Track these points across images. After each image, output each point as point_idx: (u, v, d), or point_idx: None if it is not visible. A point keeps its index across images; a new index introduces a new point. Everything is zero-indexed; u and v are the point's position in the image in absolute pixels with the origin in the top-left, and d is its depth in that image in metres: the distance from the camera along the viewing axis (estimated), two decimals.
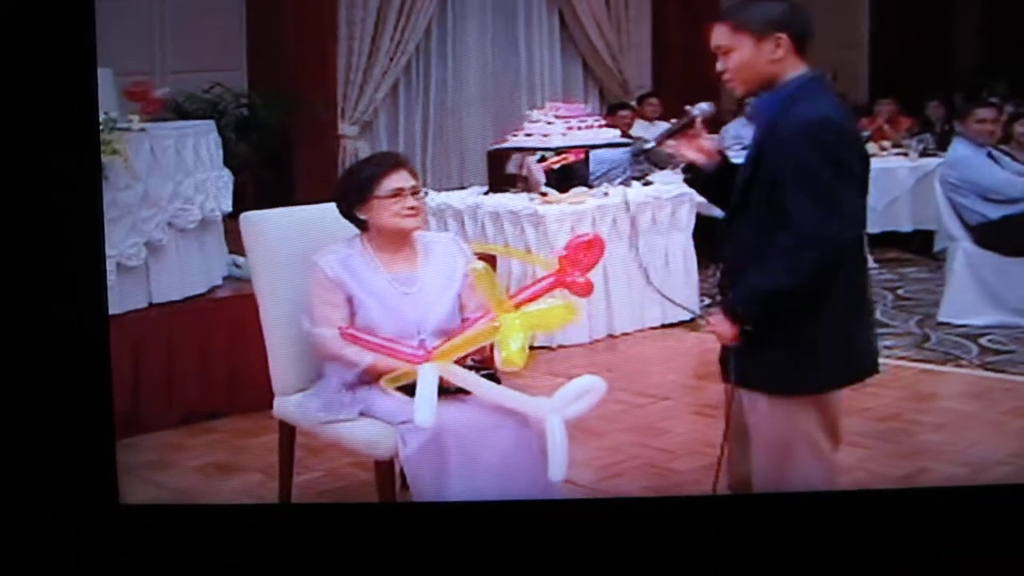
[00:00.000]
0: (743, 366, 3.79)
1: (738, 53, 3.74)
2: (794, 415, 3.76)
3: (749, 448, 3.90)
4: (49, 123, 3.93)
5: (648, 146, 4.00)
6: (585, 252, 4.17)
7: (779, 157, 3.62)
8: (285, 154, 9.63)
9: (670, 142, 3.93)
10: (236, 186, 7.00)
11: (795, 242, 3.58)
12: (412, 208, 4.45)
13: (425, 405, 4.06)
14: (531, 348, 4.13)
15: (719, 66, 3.79)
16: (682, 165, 3.98)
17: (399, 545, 4.05)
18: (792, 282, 3.61)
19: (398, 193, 4.43)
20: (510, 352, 4.06)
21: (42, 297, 3.98)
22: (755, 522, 4.02)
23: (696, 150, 3.91)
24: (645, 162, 10.33)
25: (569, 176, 8.06)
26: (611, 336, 7.57)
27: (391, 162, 4.53)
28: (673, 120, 4.13)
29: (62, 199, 3.97)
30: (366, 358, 4.34)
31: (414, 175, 4.52)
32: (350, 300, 4.43)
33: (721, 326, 3.76)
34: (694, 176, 3.97)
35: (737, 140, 8.88)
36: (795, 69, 3.74)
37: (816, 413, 3.78)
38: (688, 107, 3.93)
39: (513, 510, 4.18)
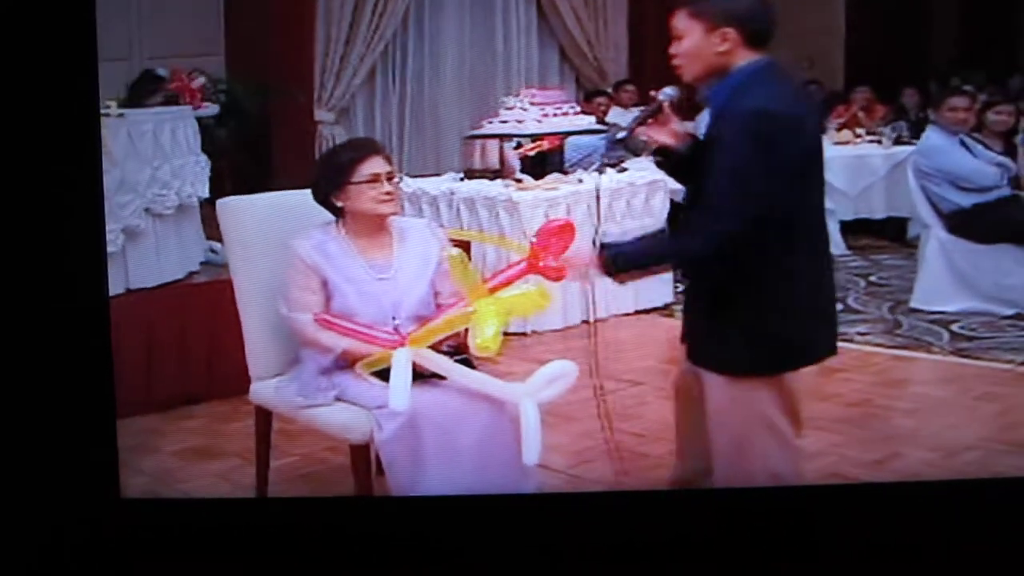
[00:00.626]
0: (699, 346, 3.91)
1: (688, 40, 3.82)
2: (750, 397, 3.81)
3: (702, 443, 3.98)
4: (50, 106, 3.99)
5: (621, 135, 4.03)
6: (556, 237, 4.18)
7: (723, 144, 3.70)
8: (263, 140, 9.64)
9: (641, 128, 3.98)
10: (213, 172, 7.02)
11: (700, 220, 3.71)
12: (388, 193, 4.46)
13: (399, 390, 4.10)
14: (505, 334, 4.16)
15: (673, 49, 3.88)
16: (652, 148, 4.03)
17: (398, 540, 4.09)
18: (679, 256, 3.84)
19: (375, 179, 4.45)
20: (484, 338, 4.09)
21: (43, 289, 4.02)
22: (726, 516, 4.08)
23: (667, 134, 3.96)
24: (621, 149, 10.37)
25: (544, 163, 8.09)
26: (585, 322, 7.51)
27: (367, 148, 4.55)
28: (642, 107, 4.17)
29: (62, 185, 4.04)
30: (341, 343, 4.37)
31: (389, 161, 4.54)
32: (326, 285, 4.45)
33: (595, 265, 3.88)
34: (665, 159, 4.01)
35: None
36: (744, 60, 3.80)
37: (772, 395, 3.83)
38: (654, 92, 3.99)
39: (488, 504, 4.23)
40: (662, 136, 3.96)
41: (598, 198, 4.55)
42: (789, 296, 3.76)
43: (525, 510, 4.27)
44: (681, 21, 3.83)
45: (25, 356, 4.03)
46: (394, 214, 4.57)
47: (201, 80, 8.21)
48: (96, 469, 4.10)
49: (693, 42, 3.81)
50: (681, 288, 8.38)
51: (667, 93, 3.96)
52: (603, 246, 3.91)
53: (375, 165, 4.47)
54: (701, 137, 3.91)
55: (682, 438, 4.23)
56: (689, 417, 4.11)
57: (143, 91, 8.06)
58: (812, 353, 3.92)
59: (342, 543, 4.09)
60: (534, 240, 4.21)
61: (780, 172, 3.62)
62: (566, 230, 4.21)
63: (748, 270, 3.70)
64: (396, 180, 4.53)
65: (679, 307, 7.93)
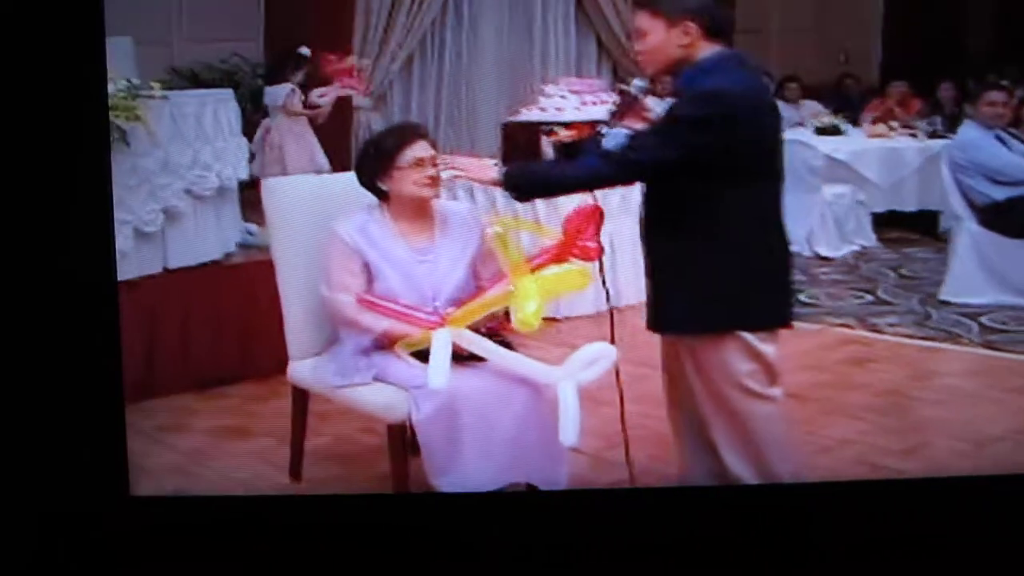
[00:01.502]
0: (657, 311, 4.17)
1: (652, 36, 4.01)
2: (714, 357, 4.03)
3: (703, 442, 4.19)
4: (58, 91, 3.98)
5: (605, 130, 4.23)
6: (586, 220, 4.30)
7: None
8: None
9: (620, 121, 4.20)
10: (251, 156, 7.07)
11: (610, 150, 4.05)
12: (431, 178, 4.53)
13: (439, 369, 4.15)
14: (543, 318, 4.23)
15: (636, 47, 4.09)
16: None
17: (412, 534, 4.12)
18: (585, 174, 4.14)
19: (419, 163, 4.51)
20: (526, 314, 4.15)
21: (51, 282, 4.04)
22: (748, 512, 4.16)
23: (641, 121, 4.18)
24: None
25: (578, 151, 8.10)
26: (616, 309, 7.53)
27: (412, 132, 4.62)
28: (616, 99, 4.35)
29: (71, 169, 4.03)
30: (381, 324, 4.42)
31: (433, 145, 4.61)
32: (367, 267, 4.50)
33: (482, 172, 4.29)
34: None
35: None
36: (707, 51, 3.99)
37: (736, 355, 4.01)
38: (623, 86, 4.29)
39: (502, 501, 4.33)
40: (640, 124, 4.15)
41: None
42: (736, 262, 3.94)
43: (536, 507, 4.38)
44: (643, 20, 4.02)
45: (31, 353, 4.04)
46: (435, 197, 4.63)
47: (352, 60, 8.37)
48: (105, 467, 4.12)
49: (657, 38, 4.00)
50: None
51: (637, 85, 4.25)
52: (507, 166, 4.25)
53: (419, 149, 4.53)
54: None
55: (682, 437, 4.37)
56: (683, 409, 4.27)
57: (286, 68, 8.23)
58: (761, 316, 4.06)
59: (356, 540, 4.10)
60: (566, 224, 4.36)
61: (728, 147, 3.82)
62: (595, 213, 4.32)
63: (698, 238, 3.93)
64: (439, 164, 4.57)
65: None
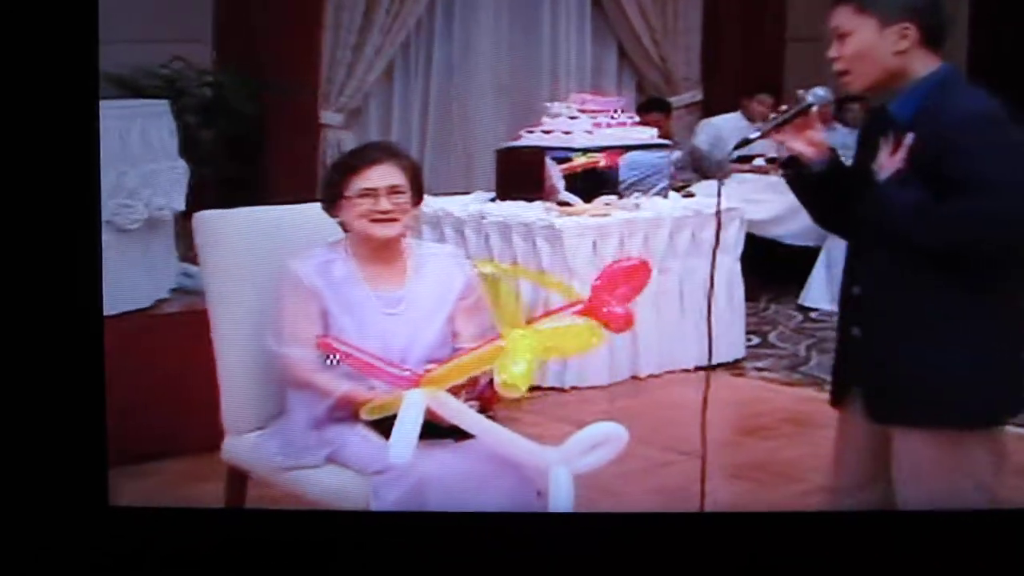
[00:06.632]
0: (891, 397, 3.94)
1: (856, 37, 3.85)
2: (963, 456, 3.89)
3: (876, 473, 4.07)
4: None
5: (754, 134, 4.04)
6: (626, 279, 4.20)
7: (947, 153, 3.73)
8: (258, 145, 9.64)
9: (777, 134, 4.01)
10: (195, 181, 7.01)
11: (972, 206, 3.70)
12: (385, 212, 4.46)
13: (404, 439, 4.06)
14: (539, 389, 4.14)
15: (832, 52, 3.91)
16: (783, 159, 4.07)
17: (396, 556, 4.18)
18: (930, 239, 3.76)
19: (367, 194, 4.44)
20: (512, 374, 4.01)
21: (32, 294, 4.21)
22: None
23: (806, 142, 3.98)
24: (699, 167, 10.40)
25: (595, 182, 8.06)
26: (635, 378, 7.59)
27: (371, 156, 4.55)
28: (783, 107, 4.15)
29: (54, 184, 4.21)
30: (341, 386, 4.37)
31: (406, 170, 4.54)
32: (325, 315, 4.45)
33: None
34: (796, 173, 4.04)
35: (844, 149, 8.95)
36: (925, 66, 3.86)
37: (987, 454, 3.91)
38: (801, 92, 4.02)
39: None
40: (798, 144, 3.99)
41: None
42: (1009, 328, 3.86)
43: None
44: (845, 17, 3.87)
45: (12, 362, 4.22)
46: (389, 236, 4.54)
47: None
48: (85, 476, 4.27)
49: (864, 40, 3.85)
50: (756, 341, 8.41)
51: (818, 95, 4.00)
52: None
53: (374, 177, 4.47)
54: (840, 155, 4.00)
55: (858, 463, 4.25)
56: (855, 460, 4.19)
57: None
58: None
59: (337, 557, 4.20)
60: (597, 282, 4.22)
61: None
62: (639, 271, 4.22)
63: (962, 293, 3.80)
64: (403, 197, 4.50)
65: (753, 364, 8.02)
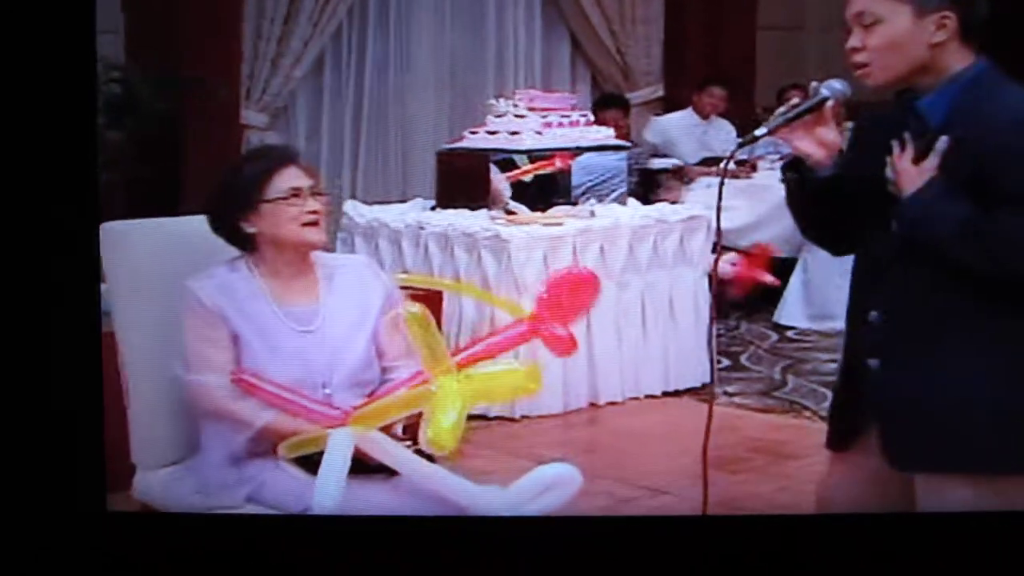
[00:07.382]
0: (913, 441, 3.84)
1: (887, 26, 3.75)
2: (1003, 501, 3.81)
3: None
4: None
5: (761, 131, 3.93)
6: (571, 293, 4.14)
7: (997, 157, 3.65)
8: (172, 147, 9.58)
9: (785, 130, 3.90)
10: (102, 188, 6.94)
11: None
12: (316, 213, 4.44)
13: (330, 482, 4.07)
14: (488, 419, 4.11)
15: (854, 41, 3.80)
16: (787, 160, 3.99)
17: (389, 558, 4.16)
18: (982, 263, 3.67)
19: (296, 194, 4.42)
20: (438, 428, 4.03)
21: (33, 296, 4.23)
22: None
23: (817, 142, 3.88)
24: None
25: (545, 188, 8.05)
26: (593, 405, 7.52)
27: (280, 156, 4.55)
28: (795, 100, 4.06)
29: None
30: (263, 416, 4.34)
31: (310, 174, 4.53)
32: (235, 338, 4.42)
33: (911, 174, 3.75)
34: (800, 176, 3.94)
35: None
36: (960, 61, 3.77)
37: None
38: (816, 83, 3.92)
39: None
40: (805, 143, 3.89)
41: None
42: None
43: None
44: (875, 2, 3.76)
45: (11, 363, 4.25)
46: (322, 244, 4.56)
47: None
48: (82, 481, 4.27)
49: (897, 30, 3.74)
50: (726, 363, 8.40)
51: (835, 88, 3.90)
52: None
53: (293, 177, 4.45)
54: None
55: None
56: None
57: None
58: None
59: (334, 562, 4.18)
60: (543, 294, 4.16)
61: None
62: (585, 284, 4.16)
63: (1005, 319, 3.73)
64: (325, 198, 4.50)
65: (724, 389, 7.99)
